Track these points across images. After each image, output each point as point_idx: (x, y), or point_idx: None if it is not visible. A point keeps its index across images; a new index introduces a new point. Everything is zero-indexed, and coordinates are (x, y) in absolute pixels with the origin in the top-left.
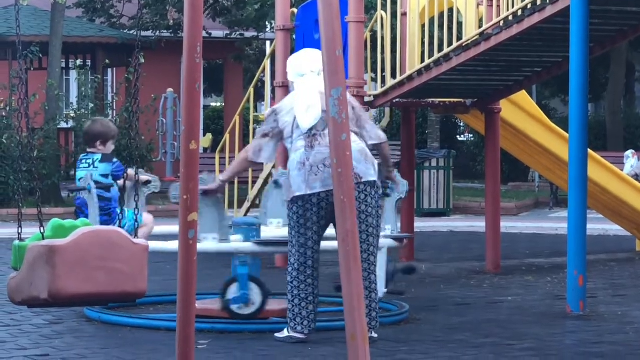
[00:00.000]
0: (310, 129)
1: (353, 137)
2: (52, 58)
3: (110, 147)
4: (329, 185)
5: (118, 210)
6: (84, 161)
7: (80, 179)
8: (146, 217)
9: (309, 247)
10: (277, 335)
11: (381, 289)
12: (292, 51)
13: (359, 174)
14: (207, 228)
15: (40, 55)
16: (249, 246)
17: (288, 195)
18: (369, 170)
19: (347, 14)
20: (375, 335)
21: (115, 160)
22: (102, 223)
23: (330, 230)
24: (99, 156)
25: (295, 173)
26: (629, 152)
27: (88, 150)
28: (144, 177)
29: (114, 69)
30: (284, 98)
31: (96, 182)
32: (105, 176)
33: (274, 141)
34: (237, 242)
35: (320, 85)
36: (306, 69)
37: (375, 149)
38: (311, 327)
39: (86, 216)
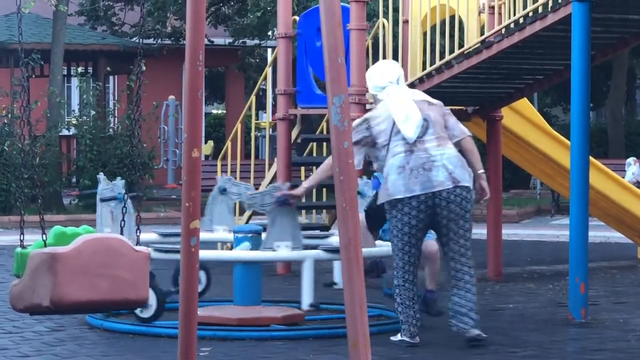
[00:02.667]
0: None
1: (446, 140)
2: (54, 65)
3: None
4: (429, 188)
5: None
6: None
7: None
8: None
9: (406, 251)
10: (392, 338)
11: None
12: (294, 59)
13: (457, 178)
14: (281, 236)
15: (42, 63)
16: (318, 253)
17: (385, 199)
18: (465, 176)
19: (348, 21)
20: (484, 335)
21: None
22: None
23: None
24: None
25: (394, 177)
26: (631, 160)
27: None
28: None
29: (116, 76)
30: (286, 105)
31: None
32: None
33: (364, 149)
34: (305, 250)
35: (406, 92)
36: (384, 81)
37: (460, 148)
38: (418, 328)
39: None
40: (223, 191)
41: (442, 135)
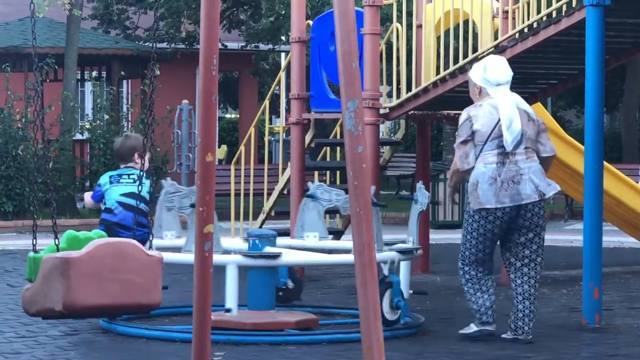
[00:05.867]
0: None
1: (533, 153)
2: (68, 70)
3: (146, 159)
4: (517, 201)
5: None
6: (126, 176)
7: (127, 193)
8: None
9: (480, 249)
10: (464, 331)
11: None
12: (308, 63)
13: (542, 191)
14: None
15: (56, 67)
16: (393, 255)
17: (474, 205)
18: (547, 188)
19: (362, 25)
20: (530, 337)
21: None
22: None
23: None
24: (139, 172)
25: (485, 186)
26: None
27: (124, 165)
28: None
29: (129, 80)
30: (300, 110)
31: (145, 200)
32: (149, 193)
33: (473, 144)
34: (387, 252)
35: (512, 96)
36: (503, 79)
37: (541, 161)
38: (492, 317)
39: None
40: (313, 198)
41: (532, 149)
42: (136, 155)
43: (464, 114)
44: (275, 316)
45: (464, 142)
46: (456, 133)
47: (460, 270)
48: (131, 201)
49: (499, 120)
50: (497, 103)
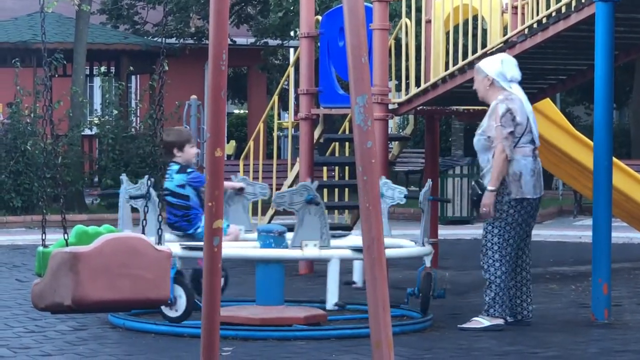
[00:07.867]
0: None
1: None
2: (77, 65)
3: (190, 151)
4: (542, 191)
5: (201, 216)
6: (168, 172)
7: (164, 188)
8: (232, 228)
9: (518, 243)
10: (471, 326)
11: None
12: (316, 59)
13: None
14: (309, 235)
15: (65, 62)
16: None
17: (515, 194)
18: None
19: (371, 21)
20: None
21: (190, 169)
22: (182, 229)
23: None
24: (176, 167)
25: (528, 178)
26: None
27: (170, 160)
28: (231, 184)
29: (138, 75)
30: (308, 105)
31: (173, 192)
32: (181, 186)
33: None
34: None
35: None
36: (516, 76)
37: None
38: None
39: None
40: (238, 191)
41: None
42: (175, 150)
43: (502, 106)
44: (283, 311)
45: (512, 132)
46: (499, 123)
47: (496, 263)
48: (166, 196)
49: (527, 114)
50: (522, 98)
